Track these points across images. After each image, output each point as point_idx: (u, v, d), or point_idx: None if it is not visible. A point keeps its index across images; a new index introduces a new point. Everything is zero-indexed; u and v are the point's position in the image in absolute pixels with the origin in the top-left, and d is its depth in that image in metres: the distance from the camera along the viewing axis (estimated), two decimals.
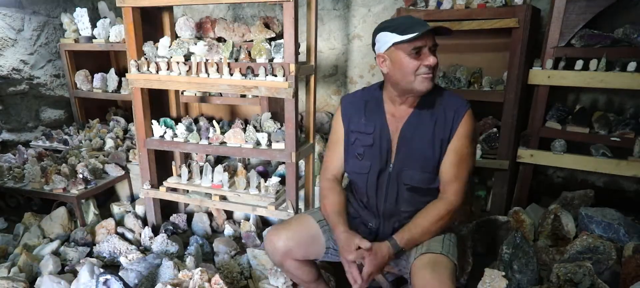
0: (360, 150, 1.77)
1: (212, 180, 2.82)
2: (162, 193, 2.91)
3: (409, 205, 1.76)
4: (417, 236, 1.67)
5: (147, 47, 2.66)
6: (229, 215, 3.24)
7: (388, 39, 1.58)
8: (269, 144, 2.63)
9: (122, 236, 2.90)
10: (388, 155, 1.74)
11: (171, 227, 3.00)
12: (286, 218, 2.36)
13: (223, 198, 2.81)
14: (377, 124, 1.75)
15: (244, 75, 2.45)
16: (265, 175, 3.05)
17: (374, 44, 1.68)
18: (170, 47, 2.62)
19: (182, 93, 3.47)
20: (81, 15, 3.87)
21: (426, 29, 1.50)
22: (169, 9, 2.84)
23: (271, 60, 2.46)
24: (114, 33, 3.80)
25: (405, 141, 1.70)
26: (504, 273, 1.93)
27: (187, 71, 2.55)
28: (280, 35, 2.65)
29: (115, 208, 3.28)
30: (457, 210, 1.69)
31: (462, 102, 1.68)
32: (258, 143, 2.64)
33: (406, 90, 1.63)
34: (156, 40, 2.68)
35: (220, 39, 2.88)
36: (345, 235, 1.66)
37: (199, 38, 2.79)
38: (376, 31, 1.64)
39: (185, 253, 2.68)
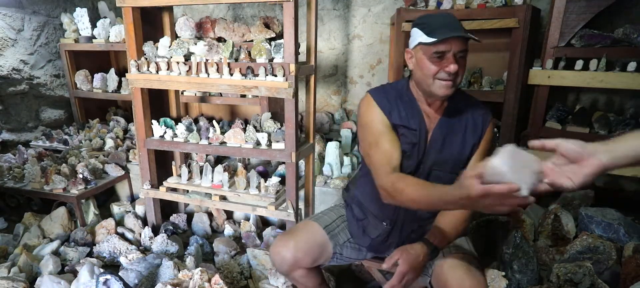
0: (406, 148, 1.65)
1: (212, 180, 2.82)
2: (162, 194, 2.91)
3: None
4: (450, 234, 1.63)
5: (147, 47, 2.66)
6: (229, 215, 3.25)
7: (416, 36, 1.53)
8: (269, 144, 2.63)
9: (122, 236, 2.90)
10: (423, 155, 1.67)
11: (171, 227, 3.00)
12: (291, 227, 2.30)
13: (223, 198, 2.81)
14: (418, 121, 1.65)
15: (244, 75, 2.45)
16: (265, 175, 3.05)
17: (409, 38, 1.65)
18: (170, 47, 2.62)
19: (182, 93, 3.47)
20: (81, 15, 3.87)
21: (449, 35, 1.43)
22: (169, 9, 2.84)
23: (271, 60, 2.46)
24: (114, 33, 3.80)
25: (436, 143, 1.65)
26: (504, 273, 1.93)
27: (187, 71, 2.55)
28: (280, 35, 2.65)
29: (115, 208, 3.28)
30: (473, 213, 1.70)
31: (487, 110, 1.69)
32: (258, 143, 2.64)
33: (426, 92, 1.59)
34: (156, 40, 2.68)
35: (220, 39, 2.87)
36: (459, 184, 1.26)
37: (199, 38, 2.79)
38: (413, 25, 1.58)
39: (185, 253, 2.68)
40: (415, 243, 1.61)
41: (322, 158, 3.27)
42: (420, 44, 1.51)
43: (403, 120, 1.64)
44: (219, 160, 3.47)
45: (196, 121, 3.34)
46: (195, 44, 2.59)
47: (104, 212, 3.34)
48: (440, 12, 2.88)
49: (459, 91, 1.65)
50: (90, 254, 2.78)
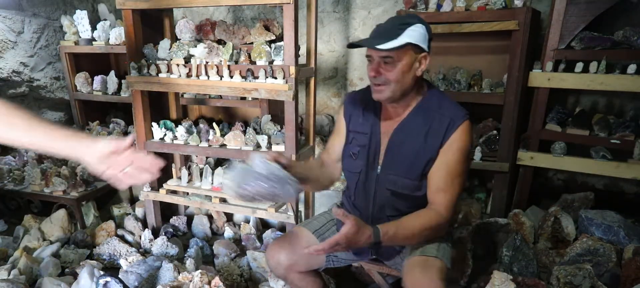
0: (355, 149, 1.76)
1: (212, 183, 2.82)
2: (162, 196, 2.91)
3: (393, 210, 1.73)
4: (400, 235, 1.53)
5: (147, 50, 2.66)
6: (229, 217, 3.25)
7: None
8: (269, 146, 2.63)
9: (122, 238, 2.90)
10: (376, 157, 1.71)
11: (171, 230, 3.00)
12: (284, 233, 2.29)
13: (223, 200, 2.81)
14: (371, 124, 1.73)
15: (244, 77, 2.45)
16: None
17: None
18: (170, 49, 2.62)
19: (181, 95, 3.47)
20: (81, 17, 3.86)
21: (355, 42, 1.56)
22: (169, 11, 2.85)
23: (271, 62, 2.46)
24: (114, 35, 3.80)
25: (393, 145, 1.67)
26: (511, 277, 1.91)
27: (187, 73, 2.55)
28: (280, 38, 2.65)
29: (115, 211, 3.28)
30: (445, 225, 1.61)
31: (459, 113, 1.58)
32: (258, 145, 2.64)
33: None
34: (156, 43, 2.68)
35: (220, 42, 2.87)
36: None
37: (199, 40, 2.79)
38: None
39: (185, 255, 2.68)
40: (369, 226, 1.48)
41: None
42: None
43: (356, 126, 1.77)
44: (219, 162, 3.47)
45: (196, 123, 3.33)
46: (195, 46, 2.60)
47: (104, 215, 3.34)
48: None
49: (436, 93, 1.67)
50: (90, 256, 2.79)
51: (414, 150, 1.62)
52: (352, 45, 1.58)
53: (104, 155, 1.13)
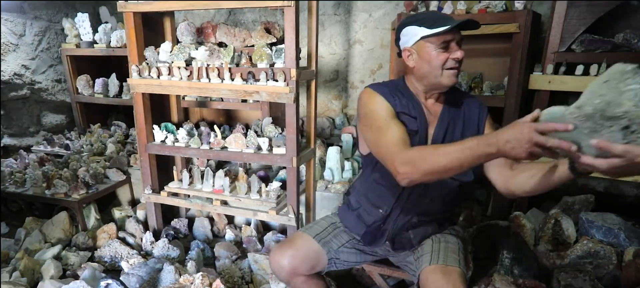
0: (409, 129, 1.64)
1: (213, 185, 2.82)
2: (164, 198, 2.91)
3: (434, 201, 1.75)
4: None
5: (149, 52, 2.67)
6: (230, 219, 3.25)
7: (416, 32, 1.57)
8: (270, 149, 2.63)
9: (124, 241, 2.90)
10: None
11: (172, 232, 3.00)
12: (287, 237, 2.27)
13: (224, 203, 2.81)
14: (418, 111, 1.66)
15: (245, 80, 2.46)
16: (266, 180, 3.05)
17: (397, 39, 1.67)
18: (171, 52, 2.63)
19: (183, 98, 3.48)
20: (82, 20, 3.88)
21: (455, 23, 1.51)
22: (170, 14, 2.85)
23: (272, 65, 2.47)
24: (115, 38, 3.81)
25: (438, 137, 1.68)
26: (512, 280, 1.92)
27: (188, 76, 2.56)
28: (281, 41, 2.66)
29: (117, 213, 3.28)
30: None
31: (480, 101, 1.75)
32: (259, 148, 2.65)
33: (433, 85, 1.62)
34: (157, 45, 2.69)
35: (221, 44, 2.89)
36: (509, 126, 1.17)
37: (200, 43, 2.80)
38: (401, 26, 1.63)
39: (187, 257, 2.68)
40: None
41: (323, 163, 3.27)
42: (423, 38, 1.56)
43: (404, 107, 1.64)
44: (220, 164, 3.48)
45: (197, 126, 3.34)
46: (197, 49, 2.60)
47: (105, 217, 3.34)
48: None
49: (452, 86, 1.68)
50: (91, 259, 2.79)
51: (458, 137, 1.66)
52: (446, 30, 1.50)
53: None
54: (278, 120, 3.12)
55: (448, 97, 1.71)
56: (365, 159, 1.84)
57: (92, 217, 3.21)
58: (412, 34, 1.59)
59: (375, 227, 1.83)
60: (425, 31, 1.54)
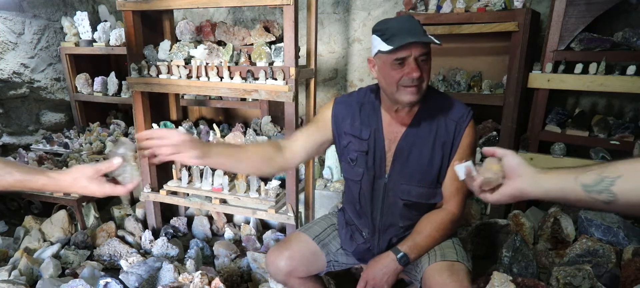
0: (353, 155, 1.67)
1: (213, 184, 2.82)
2: (163, 197, 2.91)
3: (407, 219, 1.70)
4: (421, 243, 1.60)
5: (148, 51, 2.67)
6: (229, 218, 3.25)
7: (375, 44, 1.48)
8: None
9: (123, 239, 2.90)
10: (382, 165, 1.64)
11: (171, 230, 3.00)
12: (285, 238, 2.27)
13: (223, 201, 2.81)
14: (373, 130, 1.63)
15: (244, 78, 2.45)
16: (265, 178, 3.05)
17: None
18: (170, 50, 2.63)
19: (182, 96, 3.48)
20: (81, 18, 3.87)
21: (405, 42, 1.37)
22: (169, 12, 2.85)
23: (271, 63, 2.47)
24: (115, 36, 3.81)
25: (402, 153, 1.60)
26: (511, 278, 1.91)
27: (188, 75, 2.56)
28: (280, 39, 2.66)
29: (116, 212, 3.28)
30: (459, 220, 1.66)
31: (463, 112, 1.57)
32: None
33: (394, 100, 1.53)
34: (156, 44, 2.69)
35: (220, 43, 2.88)
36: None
37: (199, 41, 2.79)
38: (372, 31, 1.53)
39: (186, 256, 2.68)
40: (384, 253, 1.63)
41: (322, 162, 3.28)
42: (379, 52, 1.46)
43: (354, 129, 1.65)
44: None
45: (196, 124, 3.34)
46: (196, 47, 2.60)
47: (104, 215, 3.34)
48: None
49: (434, 93, 1.63)
50: (90, 257, 2.79)
51: (425, 158, 1.58)
52: (397, 47, 1.39)
53: (91, 176, 1.28)
54: (277, 119, 3.12)
55: (423, 108, 1.59)
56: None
57: (91, 215, 3.21)
58: (374, 45, 1.50)
59: (364, 248, 1.80)
60: (381, 45, 1.43)
